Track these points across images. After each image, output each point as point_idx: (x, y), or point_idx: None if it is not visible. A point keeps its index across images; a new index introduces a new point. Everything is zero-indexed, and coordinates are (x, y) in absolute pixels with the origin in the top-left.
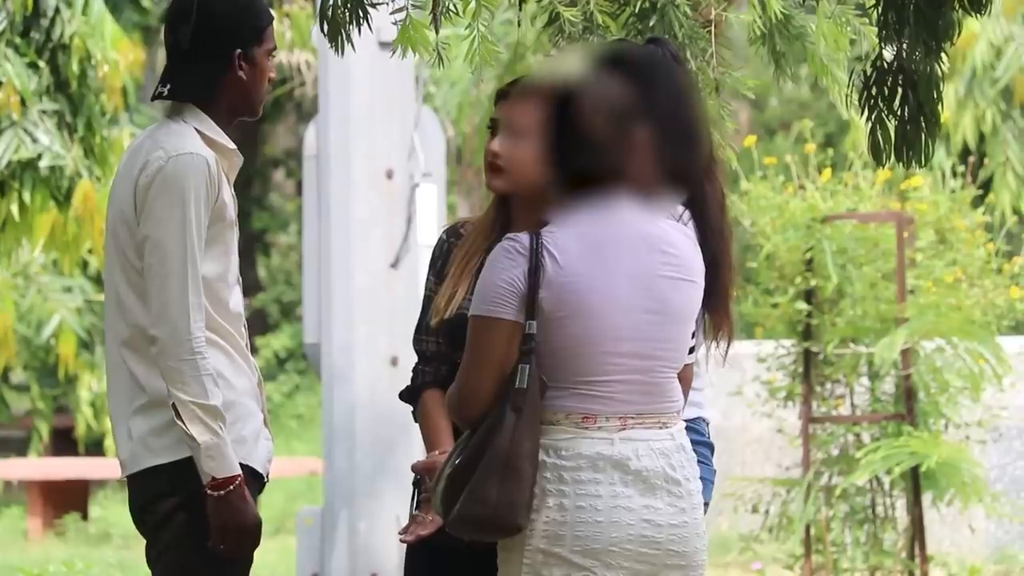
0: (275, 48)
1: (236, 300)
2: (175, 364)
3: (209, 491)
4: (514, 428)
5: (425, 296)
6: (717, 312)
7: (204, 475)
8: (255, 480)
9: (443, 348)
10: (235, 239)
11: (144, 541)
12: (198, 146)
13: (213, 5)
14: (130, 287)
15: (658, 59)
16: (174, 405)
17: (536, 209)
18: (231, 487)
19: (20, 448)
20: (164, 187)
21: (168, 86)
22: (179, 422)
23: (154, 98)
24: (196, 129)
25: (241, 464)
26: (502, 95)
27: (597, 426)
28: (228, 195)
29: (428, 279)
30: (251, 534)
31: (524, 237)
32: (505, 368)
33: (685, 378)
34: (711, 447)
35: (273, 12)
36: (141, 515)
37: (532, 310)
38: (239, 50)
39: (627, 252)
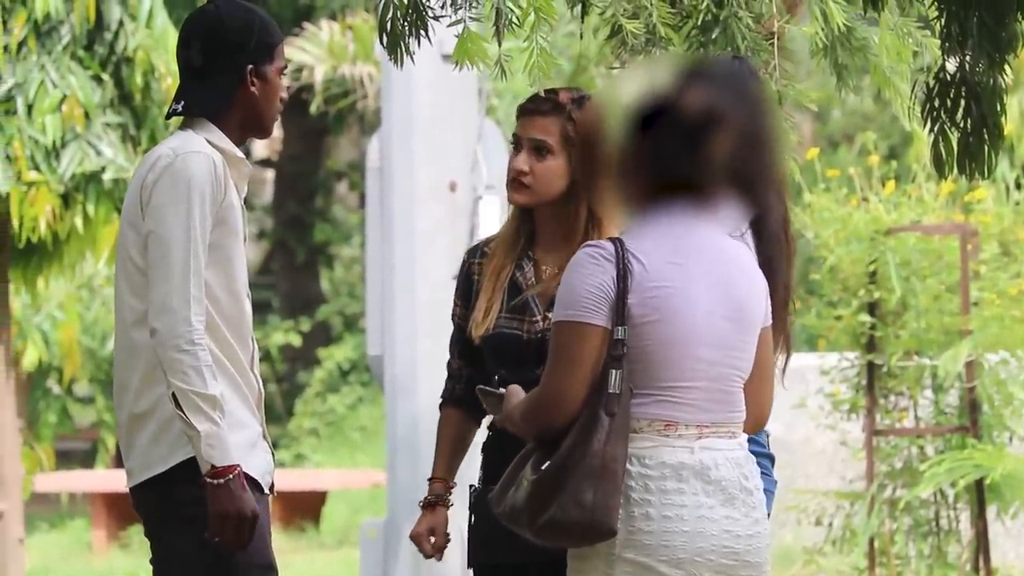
0: (287, 67)
1: (239, 311)
2: (174, 355)
3: (208, 480)
4: (608, 432)
5: (452, 317)
6: (774, 325)
7: (204, 464)
8: (254, 489)
9: (463, 368)
10: (239, 249)
11: None
12: (205, 147)
13: (224, 22)
14: (132, 291)
15: (738, 71)
16: (174, 395)
17: (559, 220)
18: (231, 476)
19: (85, 460)
20: (169, 182)
21: (182, 103)
22: (179, 412)
23: (169, 116)
24: (205, 139)
25: None
26: (523, 111)
27: (678, 434)
28: (235, 200)
29: (454, 301)
30: (249, 524)
31: (607, 243)
32: (593, 374)
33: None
34: (772, 458)
35: (336, 25)
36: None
37: (621, 316)
38: (251, 65)
39: (705, 259)
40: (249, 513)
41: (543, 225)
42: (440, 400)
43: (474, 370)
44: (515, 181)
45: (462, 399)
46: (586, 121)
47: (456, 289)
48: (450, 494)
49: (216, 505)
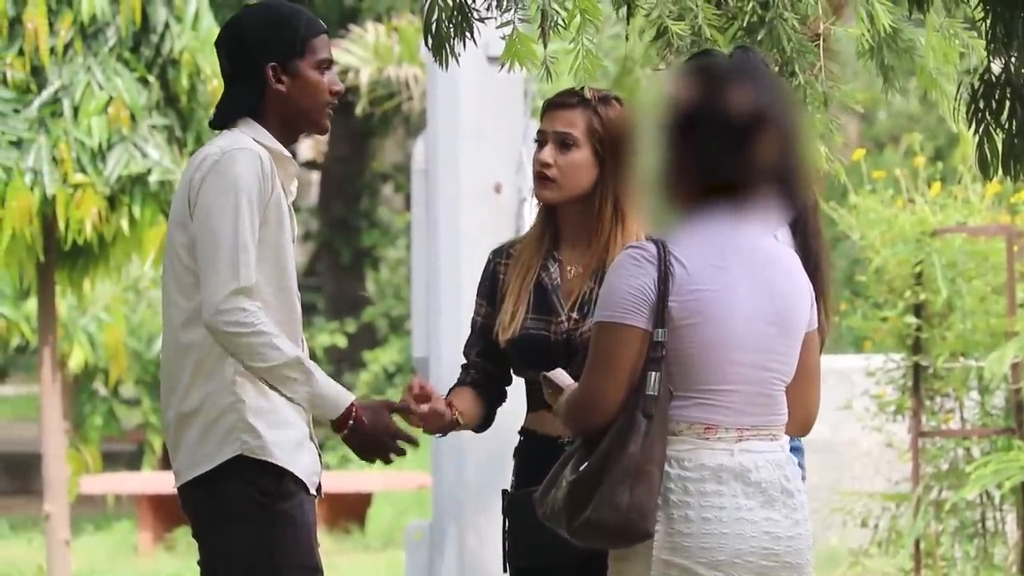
0: (327, 60)
1: (289, 309)
2: (242, 340)
3: (338, 433)
4: (645, 434)
5: (472, 317)
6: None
7: (325, 420)
8: (300, 490)
9: (480, 364)
10: (288, 247)
11: None
12: (252, 144)
13: (243, 24)
14: (181, 291)
15: (764, 65)
16: (263, 378)
17: (584, 218)
18: (350, 420)
19: (131, 462)
20: (217, 179)
21: (215, 111)
22: (274, 391)
23: (210, 124)
24: (252, 138)
25: (283, 469)
26: (548, 106)
27: (717, 437)
28: (282, 198)
29: (476, 301)
30: (388, 441)
31: (650, 245)
32: (632, 376)
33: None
34: (801, 450)
35: (382, 27)
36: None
37: (661, 318)
38: (273, 64)
39: (748, 262)
40: (384, 433)
41: (567, 225)
42: (453, 385)
43: (494, 368)
44: (540, 175)
45: (475, 383)
46: (619, 121)
47: (479, 289)
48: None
49: (356, 447)
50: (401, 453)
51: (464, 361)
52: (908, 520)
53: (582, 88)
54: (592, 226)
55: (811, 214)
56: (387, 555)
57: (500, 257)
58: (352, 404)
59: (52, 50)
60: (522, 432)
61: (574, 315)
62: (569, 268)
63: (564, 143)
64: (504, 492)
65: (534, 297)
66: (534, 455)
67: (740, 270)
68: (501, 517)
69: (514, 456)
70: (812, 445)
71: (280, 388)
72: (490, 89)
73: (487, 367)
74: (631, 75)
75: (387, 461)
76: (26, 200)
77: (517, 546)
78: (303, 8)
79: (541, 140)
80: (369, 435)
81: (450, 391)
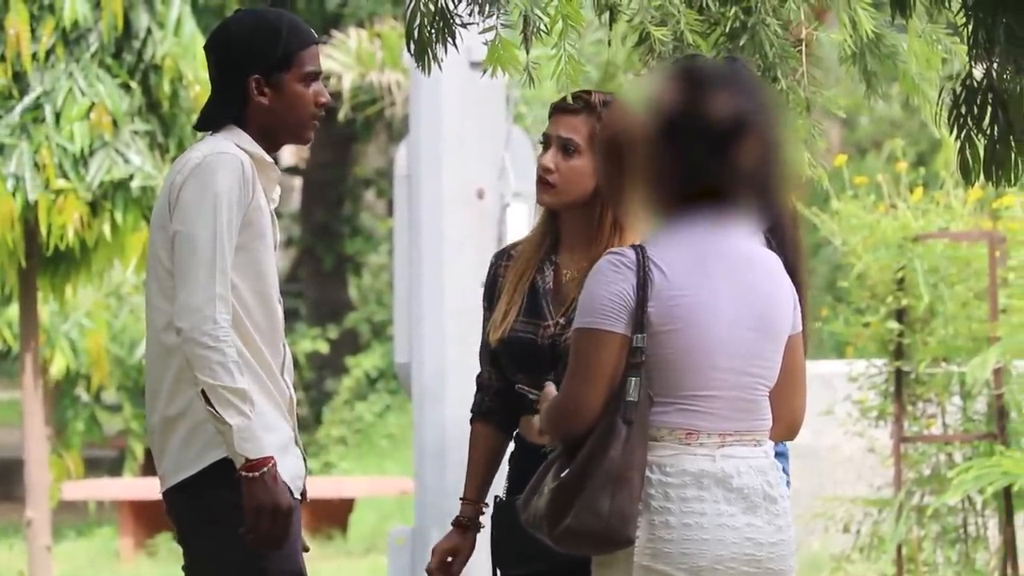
0: (314, 72)
1: (269, 315)
2: (201, 351)
3: (243, 473)
4: (626, 440)
5: (484, 326)
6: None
7: (237, 458)
8: None
9: (493, 378)
10: (268, 253)
11: None
12: (234, 149)
13: (230, 33)
14: (163, 295)
15: (751, 73)
16: (203, 392)
17: (584, 224)
18: (265, 468)
19: (112, 468)
20: (196, 182)
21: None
22: (209, 408)
23: (194, 127)
24: (235, 143)
25: None
26: (554, 110)
27: (699, 442)
28: (263, 203)
29: (483, 307)
30: (286, 516)
31: (629, 251)
32: (612, 382)
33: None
34: (785, 455)
35: (364, 32)
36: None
37: (640, 324)
38: (256, 76)
39: (730, 267)
40: (285, 506)
41: (568, 229)
42: (470, 415)
43: (504, 377)
44: (541, 180)
45: (491, 412)
46: (609, 125)
47: (484, 295)
48: (482, 514)
49: (251, 499)
50: (278, 542)
51: (479, 377)
52: (890, 525)
53: (589, 92)
54: (591, 233)
55: (790, 223)
56: (369, 560)
57: (502, 259)
58: (273, 458)
59: (34, 56)
60: (515, 438)
61: (561, 320)
62: (565, 272)
63: (566, 148)
64: (496, 498)
65: (527, 300)
66: (529, 461)
67: (722, 275)
68: (486, 523)
69: (509, 462)
70: (794, 450)
71: (217, 408)
72: (472, 95)
73: (501, 387)
74: (613, 81)
75: (265, 540)
76: (8, 206)
77: (502, 552)
78: (294, 17)
79: (545, 144)
80: (273, 493)
81: (472, 419)
